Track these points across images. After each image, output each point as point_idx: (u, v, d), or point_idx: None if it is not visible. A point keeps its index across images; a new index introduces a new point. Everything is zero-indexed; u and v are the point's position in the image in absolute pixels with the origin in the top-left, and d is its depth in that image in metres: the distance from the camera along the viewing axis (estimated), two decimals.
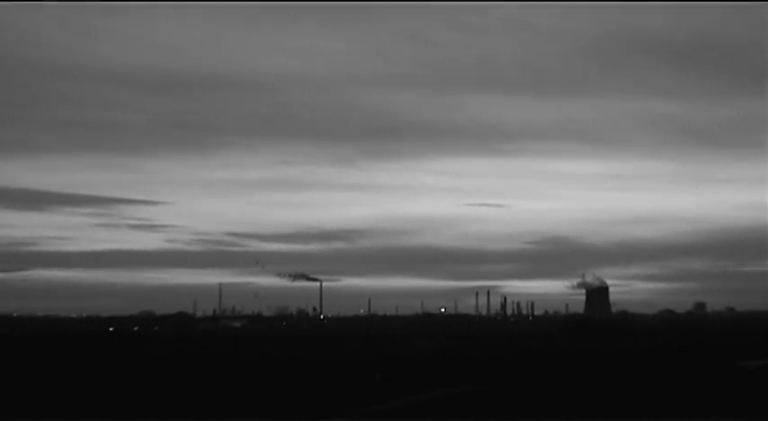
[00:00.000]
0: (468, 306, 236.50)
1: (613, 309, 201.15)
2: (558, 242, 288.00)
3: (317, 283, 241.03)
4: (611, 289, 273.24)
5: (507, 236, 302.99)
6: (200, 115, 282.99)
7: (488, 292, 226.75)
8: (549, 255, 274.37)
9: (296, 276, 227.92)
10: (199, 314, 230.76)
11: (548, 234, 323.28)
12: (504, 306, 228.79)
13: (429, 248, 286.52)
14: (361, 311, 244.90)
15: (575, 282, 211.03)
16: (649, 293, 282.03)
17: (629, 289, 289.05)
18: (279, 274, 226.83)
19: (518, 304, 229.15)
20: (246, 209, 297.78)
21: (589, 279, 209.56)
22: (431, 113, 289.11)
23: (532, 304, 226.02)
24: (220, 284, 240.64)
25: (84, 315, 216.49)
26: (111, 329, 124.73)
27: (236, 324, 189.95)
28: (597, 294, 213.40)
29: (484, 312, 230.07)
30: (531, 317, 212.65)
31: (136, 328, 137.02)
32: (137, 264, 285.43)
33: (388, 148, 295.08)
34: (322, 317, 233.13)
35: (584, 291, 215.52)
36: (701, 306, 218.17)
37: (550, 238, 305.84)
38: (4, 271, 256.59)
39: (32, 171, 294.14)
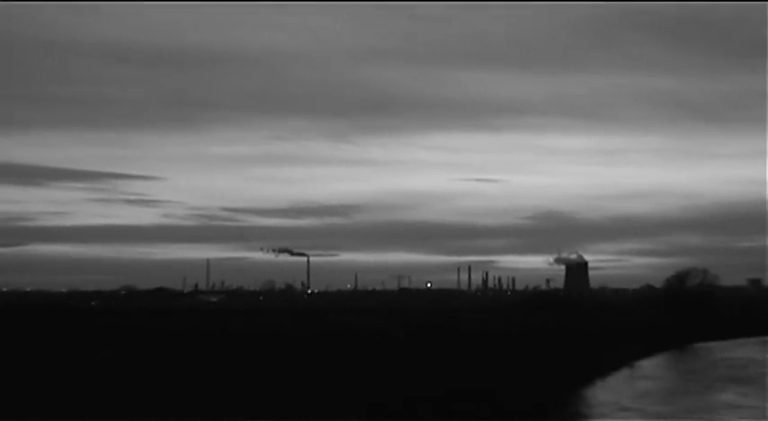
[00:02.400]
0: (462, 280, 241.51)
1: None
2: (552, 217, 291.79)
3: (306, 258, 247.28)
4: (606, 263, 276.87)
5: (501, 211, 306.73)
6: (196, 91, 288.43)
7: (469, 268, 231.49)
8: (543, 230, 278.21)
9: (280, 251, 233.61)
10: (189, 289, 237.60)
11: (542, 209, 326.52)
12: (485, 281, 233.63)
13: (423, 223, 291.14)
14: (348, 286, 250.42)
15: (552, 257, 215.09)
16: (644, 268, 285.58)
17: (624, 263, 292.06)
18: (262, 249, 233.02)
19: (499, 279, 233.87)
20: (241, 184, 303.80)
21: (565, 254, 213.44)
22: (425, 89, 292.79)
23: (513, 279, 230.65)
24: (208, 260, 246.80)
25: (70, 289, 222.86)
26: (71, 303, 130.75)
27: (213, 299, 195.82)
28: (576, 269, 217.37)
29: (475, 287, 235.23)
30: (509, 292, 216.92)
31: (93, 303, 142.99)
32: (133, 238, 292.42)
33: (382, 124, 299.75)
34: (309, 291, 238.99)
35: (563, 266, 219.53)
36: None
37: (544, 213, 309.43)
38: (0, 246, 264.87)
39: (29, 147, 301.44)
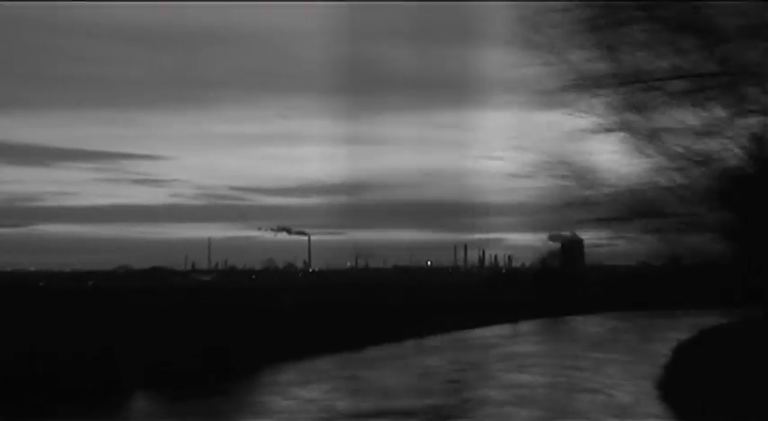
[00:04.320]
0: (469, 258, 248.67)
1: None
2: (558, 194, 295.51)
3: (306, 237, 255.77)
4: (613, 240, 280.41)
5: (508, 189, 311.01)
6: (201, 70, 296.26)
7: (465, 246, 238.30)
8: (548, 207, 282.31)
9: (278, 230, 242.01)
10: (189, 268, 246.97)
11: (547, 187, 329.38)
12: (481, 259, 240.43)
13: (430, 201, 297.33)
14: (348, 265, 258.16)
15: (545, 235, 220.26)
16: (650, 245, 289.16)
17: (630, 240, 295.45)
18: (260, 228, 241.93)
19: (495, 257, 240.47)
20: (248, 163, 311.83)
21: (558, 231, 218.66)
22: (431, 66, 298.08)
23: (509, 257, 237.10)
24: (209, 239, 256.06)
25: (73, 269, 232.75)
26: (41, 284, 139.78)
27: (207, 278, 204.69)
28: (570, 246, 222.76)
29: (475, 265, 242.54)
30: (503, 270, 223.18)
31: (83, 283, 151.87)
32: (140, 218, 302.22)
33: (389, 101, 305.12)
34: (310, 270, 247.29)
35: (558, 243, 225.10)
36: (675, 258, 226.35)
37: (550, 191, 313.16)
38: (6, 226, 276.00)
39: (34, 126, 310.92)
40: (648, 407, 25.90)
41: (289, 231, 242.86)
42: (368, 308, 68.16)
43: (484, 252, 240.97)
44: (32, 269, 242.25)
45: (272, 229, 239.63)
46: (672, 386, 28.62)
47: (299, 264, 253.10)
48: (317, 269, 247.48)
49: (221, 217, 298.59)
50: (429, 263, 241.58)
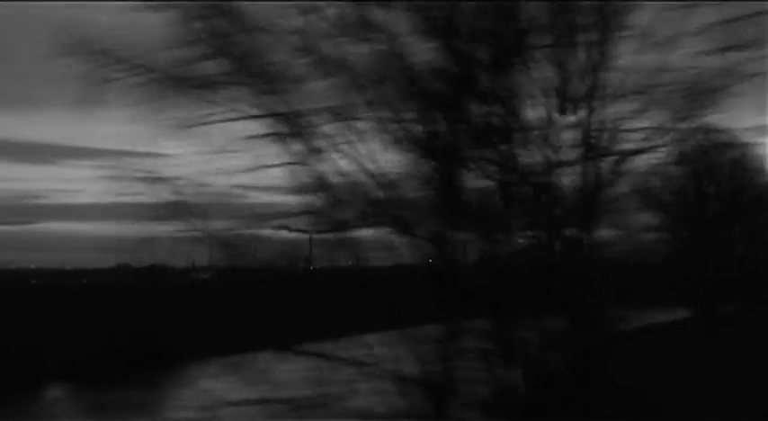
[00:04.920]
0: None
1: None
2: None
3: (308, 235, 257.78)
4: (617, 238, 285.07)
5: None
6: (202, 66, 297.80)
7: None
8: None
9: (278, 228, 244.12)
10: (190, 266, 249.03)
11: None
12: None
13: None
14: (350, 262, 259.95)
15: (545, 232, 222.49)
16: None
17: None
18: (260, 227, 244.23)
19: None
20: (252, 161, 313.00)
21: None
22: None
23: None
24: (210, 236, 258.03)
25: (75, 267, 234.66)
26: (33, 282, 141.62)
27: (205, 276, 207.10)
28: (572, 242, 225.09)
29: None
30: None
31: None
32: (142, 216, 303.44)
33: None
34: (311, 268, 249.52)
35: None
36: None
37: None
38: (11, 223, 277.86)
39: (38, 124, 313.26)
40: None
41: (288, 229, 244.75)
42: (338, 303, 69.66)
43: None
44: (33, 266, 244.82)
45: (272, 227, 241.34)
46: None
47: (301, 262, 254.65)
48: (317, 267, 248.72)
49: (223, 214, 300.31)
50: (430, 261, 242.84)
